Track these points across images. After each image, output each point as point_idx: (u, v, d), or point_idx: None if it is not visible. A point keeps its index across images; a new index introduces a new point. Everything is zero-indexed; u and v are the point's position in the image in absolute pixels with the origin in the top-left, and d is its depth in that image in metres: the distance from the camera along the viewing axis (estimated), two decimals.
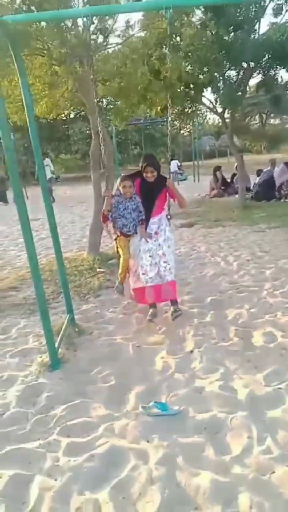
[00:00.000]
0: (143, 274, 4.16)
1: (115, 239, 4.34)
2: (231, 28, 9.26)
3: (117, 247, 4.33)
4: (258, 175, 13.04)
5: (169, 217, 4.36)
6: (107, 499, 2.12)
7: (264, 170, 12.79)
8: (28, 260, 3.40)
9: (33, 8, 5.56)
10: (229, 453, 2.38)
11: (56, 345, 3.65)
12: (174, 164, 21.88)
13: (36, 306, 4.85)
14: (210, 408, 2.82)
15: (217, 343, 3.77)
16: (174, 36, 8.15)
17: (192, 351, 3.65)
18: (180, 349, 3.72)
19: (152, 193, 4.29)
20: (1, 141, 3.13)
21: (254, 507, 1.98)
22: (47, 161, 16.68)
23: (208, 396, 2.96)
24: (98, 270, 6.14)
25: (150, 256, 4.15)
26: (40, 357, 3.70)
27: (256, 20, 9.55)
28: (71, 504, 2.12)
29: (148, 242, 4.20)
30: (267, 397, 2.87)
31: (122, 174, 4.55)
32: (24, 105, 3.74)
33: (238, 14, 9.08)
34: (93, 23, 5.71)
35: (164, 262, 4.16)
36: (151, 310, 4.31)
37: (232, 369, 3.30)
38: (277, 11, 9.67)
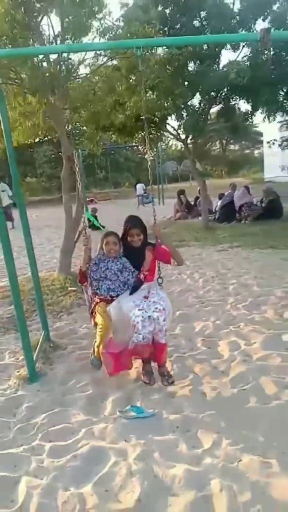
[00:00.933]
0: (135, 332, 3.26)
1: (94, 306, 3.61)
2: (194, 61, 9.94)
3: (93, 316, 3.62)
4: (220, 198, 13.70)
5: (160, 281, 3.70)
6: (91, 492, 2.30)
7: (226, 193, 13.47)
8: (9, 281, 3.55)
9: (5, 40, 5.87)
10: (201, 447, 2.63)
11: (34, 359, 3.80)
12: (140, 188, 22.45)
13: (11, 324, 5.03)
14: (182, 409, 3.06)
15: (186, 352, 4.04)
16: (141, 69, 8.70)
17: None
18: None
19: (139, 260, 3.62)
20: None
21: (224, 490, 2.22)
22: (3, 186, 14.84)
23: (180, 399, 3.21)
24: (69, 289, 6.31)
25: (140, 310, 3.29)
26: (18, 371, 3.83)
27: (217, 54, 10.26)
28: (58, 499, 2.29)
29: (137, 300, 3.40)
30: (233, 398, 3.14)
31: (107, 230, 4.08)
32: (3, 133, 3.97)
33: (200, 49, 9.75)
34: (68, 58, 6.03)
35: (164, 320, 3.32)
36: (145, 367, 3.55)
37: (201, 375, 3.57)
38: (235, 47, 10.44)
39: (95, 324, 3.57)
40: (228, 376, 3.48)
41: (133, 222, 3.67)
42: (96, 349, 3.51)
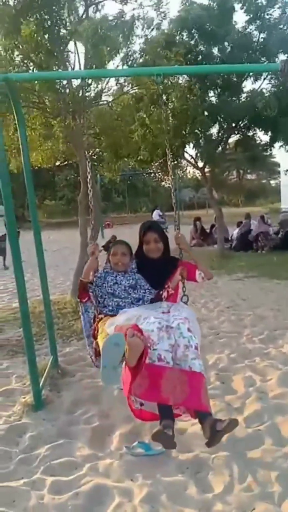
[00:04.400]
0: (148, 346, 2.42)
1: (96, 324, 2.93)
2: (214, 90, 10.08)
3: (95, 336, 2.92)
4: (238, 226, 13.69)
5: (185, 299, 3.02)
6: None
7: (243, 222, 13.45)
8: (19, 304, 3.49)
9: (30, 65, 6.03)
10: (211, 491, 2.45)
11: (40, 386, 3.69)
12: (156, 214, 22.51)
13: (19, 348, 4.93)
14: (192, 448, 2.89)
15: None
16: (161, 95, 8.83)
17: None
18: None
19: (158, 275, 3.00)
20: None
21: None
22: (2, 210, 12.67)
23: (190, 437, 3.04)
24: None
25: (160, 323, 2.50)
26: (24, 397, 3.71)
27: (238, 84, 10.38)
28: None
29: (154, 312, 2.71)
30: (247, 438, 2.96)
31: (116, 239, 3.42)
32: (22, 154, 4.00)
33: (221, 79, 9.88)
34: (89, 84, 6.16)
35: (189, 331, 2.53)
36: (163, 422, 2.41)
37: (214, 411, 3.38)
38: (257, 77, 10.55)
39: (97, 354, 2.88)
40: (242, 414, 3.30)
41: (150, 225, 3.12)
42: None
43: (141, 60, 6.41)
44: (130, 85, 7.11)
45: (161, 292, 2.95)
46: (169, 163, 3.71)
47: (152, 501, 2.37)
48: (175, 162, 12.75)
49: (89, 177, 3.41)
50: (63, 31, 5.81)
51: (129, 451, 2.87)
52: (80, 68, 5.98)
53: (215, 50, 9.96)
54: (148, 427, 3.18)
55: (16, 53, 5.96)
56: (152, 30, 6.55)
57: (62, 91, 6.13)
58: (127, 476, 2.62)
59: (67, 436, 3.13)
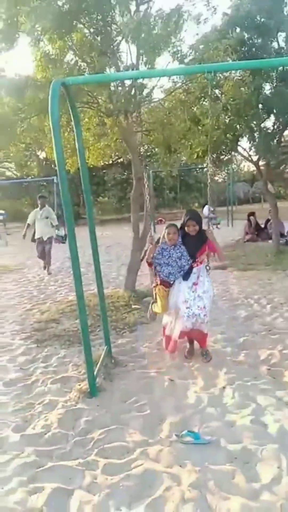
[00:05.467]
0: (182, 323, 4.25)
1: (154, 286, 4.43)
2: (269, 82, 9.82)
3: (154, 299, 4.47)
4: None
5: (208, 267, 4.41)
6: None
7: None
8: (76, 297, 3.67)
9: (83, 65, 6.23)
10: (259, 481, 2.49)
11: (95, 374, 3.87)
12: (206, 209, 22.29)
13: (75, 338, 5.17)
14: (241, 439, 2.93)
15: (249, 381, 3.88)
16: (214, 89, 8.75)
17: (224, 388, 3.77)
18: (212, 385, 3.84)
19: (193, 245, 4.33)
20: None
21: None
22: (48, 211, 10.02)
23: (240, 429, 3.08)
24: (133, 306, 6.38)
25: (187, 308, 4.21)
26: (79, 384, 3.91)
27: None
28: None
29: (186, 292, 4.25)
30: None
31: (168, 223, 4.63)
32: (77, 153, 4.19)
33: (276, 71, 9.61)
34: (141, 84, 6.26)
35: (204, 315, 4.24)
36: (188, 347, 4.57)
37: (264, 405, 3.40)
38: None
39: (154, 299, 4.48)
40: None
41: (191, 215, 4.36)
42: (153, 311, 4.47)
43: (191, 57, 6.41)
44: (181, 80, 7.12)
45: (193, 263, 4.32)
46: (210, 158, 3.76)
47: (200, 487, 2.45)
48: (228, 156, 12.57)
49: (145, 175, 3.56)
50: (114, 31, 5.95)
51: (179, 439, 2.97)
52: (132, 67, 6.10)
53: (270, 43, 9.69)
54: (198, 418, 3.26)
55: (69, 54, 6.19)
56: (203, 24, 6.51)
57: (115, 90, 6.29)
58: (176, 462, 2.72)
59: (119, 422, 3.28)
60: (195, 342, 4.61)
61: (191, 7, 6.43)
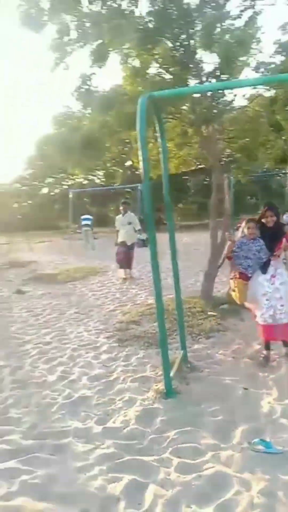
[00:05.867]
0: (261, 314, 4.51)
1: (232, 278, 4.71)
2: None
3: (232, 289, 4.73)
4: None
5: (285, 261, 4.60)
6: None
7: None
8: (155, 301, 3.90)
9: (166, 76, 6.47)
10: None
11: (171, 376, 4.05)
12: (286, 217, 21.38)
13: (154, 340, 5.41)
14: None
15: None
16: None
17: None
18: (287, 397, 3.84)
19: (271, 238, 4.56)
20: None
21: None
22: (130, 216, 10.35)
23: None
24: (209, 313, 6.47)
25: (267, 300, 4.46)
26: (156, 385, 4.12)
27: None
28: None
29: (265, 285, 4.48)
30: None
31: (247, 218, 4.97)
32: (162, 163, 4.43)
33: None
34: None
35: (281, 305, 4.43)
36: (265, 352, 4.64)
37: None
38: None
39: (230, 295, 4.95)
40: None
41: (270, 205, 4.65)
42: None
43: (275, 65, 6.35)
44: (265, 88, 7.08)
45: (271, 257, 4.52)
46: None
47: (269, 495, 2.52)
48: None
49: (225, 182, 3.72)
50: (196, 44, 6.11)
51: (251, 446, 3.04)
52: (214, 78, 6.21)
53: None
54: (270, 428, 3.31)
55: (153, 66, 6.48)
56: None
57: (198, 99, 6.44)
58: (247, 468, 2.80)
59: (193, 425, 3.42)
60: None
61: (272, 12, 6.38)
